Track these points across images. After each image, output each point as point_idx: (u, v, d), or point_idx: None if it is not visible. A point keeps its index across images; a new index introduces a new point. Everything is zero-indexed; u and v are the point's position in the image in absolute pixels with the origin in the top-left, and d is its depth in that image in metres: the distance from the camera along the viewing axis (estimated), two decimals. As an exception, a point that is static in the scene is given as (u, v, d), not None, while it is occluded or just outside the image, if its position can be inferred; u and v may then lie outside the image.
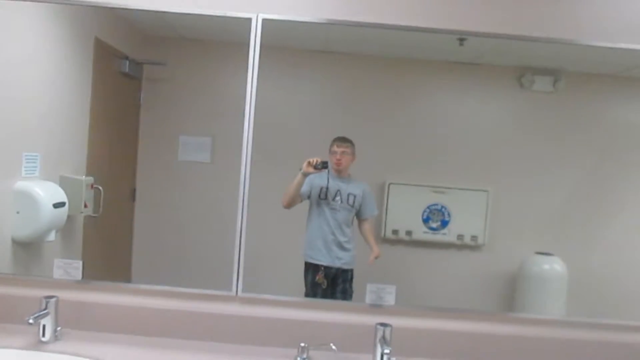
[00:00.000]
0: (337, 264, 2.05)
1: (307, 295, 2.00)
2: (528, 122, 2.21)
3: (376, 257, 2.09)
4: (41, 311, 1.54)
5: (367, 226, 2.11)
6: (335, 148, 2.06)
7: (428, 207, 2.21)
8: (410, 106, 2.20)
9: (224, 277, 1.77)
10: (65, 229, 1.98)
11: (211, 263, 1.98)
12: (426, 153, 2.20)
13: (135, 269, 2.09)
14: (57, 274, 1.75)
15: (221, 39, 2.11)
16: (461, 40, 1.96)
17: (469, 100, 2.22)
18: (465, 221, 2.21)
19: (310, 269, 2.05)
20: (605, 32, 1.74)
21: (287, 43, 2.01)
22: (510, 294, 2.17)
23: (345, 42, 2.10)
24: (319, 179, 2.03)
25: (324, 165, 1.96)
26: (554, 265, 2.17)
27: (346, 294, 2.02)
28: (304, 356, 1.57)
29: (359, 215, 2.10)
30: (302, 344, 1.58)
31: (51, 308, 1.56)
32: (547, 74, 2.15)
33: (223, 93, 2.14)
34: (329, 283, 2.03)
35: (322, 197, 2.04)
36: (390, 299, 1.71)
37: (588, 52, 1.83)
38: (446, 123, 2.20)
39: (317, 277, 2.03)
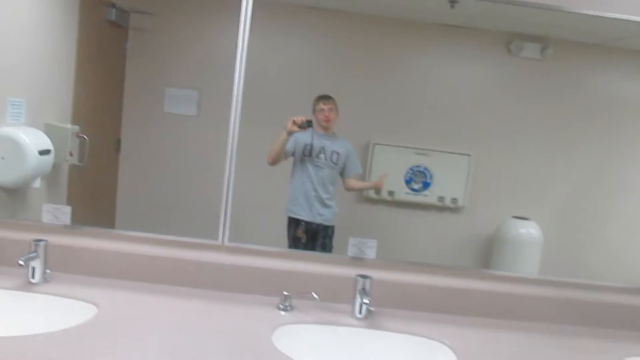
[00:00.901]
0: (318, 219, 2.10)
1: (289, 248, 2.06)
2: (514, 89, 2.23)
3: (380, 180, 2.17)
4: (31, 253, 1.57)
5: (352, 181, 2.15)
6: (322, 105, 2.07)
7: (411, 169, 2.24)
8: (398, 67, 2.20)
9: (208, 227, 1.81)
10: (50, 177, 1.99)
11: (195, 214, 2.01)
12: (411, 115, 2.21)
13: (119, 219, 2.12)
14: (46, 218, 1.77)
15: (210, -10, 2.08)
16: (452, 2, 1.95)
17: (456, 64, 2.23)
18: (447, 184, 2.25)
19: (292, 223, 2.10)
20: (596, 0, 1.75)
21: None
22: (487, 256, 2.25)
23: (334, -1, 2.09)
24: (303, 137, 2.05)
25: (309, 124, 1.98)
26: (530, 230, 2.24)
27: (326, 250, 2.09)
28: (287, 304, 1.63)
29: (343, 174, 2.13)
30: (285, 293, 1.63)
31: (40, 251, 1.59)
32: (536, 41, 2.16)
33: (211, 46, 2.12)
34: (310, 238, 2.09)
35: (306, 154, 2.07)
36: (371, 253, 1.76)
37: (577, 21, 1.83)
38: (433, 86, 2.21)
39: (298, 232, 2.08)
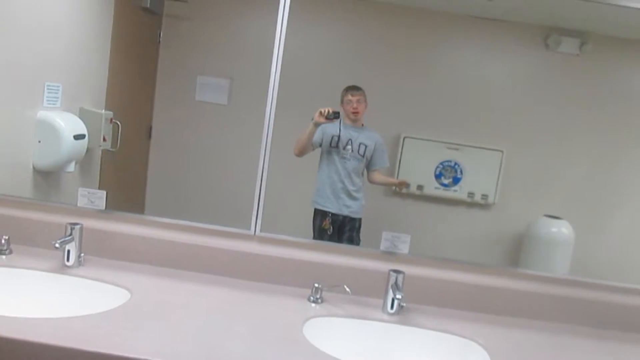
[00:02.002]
0: (345, 211, 2.08)
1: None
2: (550, 84, 2.17)
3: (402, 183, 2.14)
4: (66, 237, 1.59)
5: (377, 174, 2.13)
6: (350, 97, 2.05)
7: (441, 163, 2.21)
8: (431, 60, 2.17)
9: (236, 216, 1.81)
10: (84, 161, 2.02)
11: (222, 202, 2.02)
12: (443, 109, 2.18)
13: (148, 204, 2.14)
14: (82, 202, 1.79)
15: (246, -21, 2.07)
16: (491, -5, 1.91)
17: (492, 57, 2.19)
18: (477, 179, 2.22)
19: (319, 215, 2.09)
20: (638, -7, 1.69)
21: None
22: (516, 254, 2.21)
23: (371, -12, 2.06)
24: (331, 128, 2.03)
25: (336, 115, 1.96)
26: (562, 229, 2.19)
27: (352, 242, 2.07)
28: (318, 296, 1.63)
29: (369, 166, 2.11)
30: (316, 285, 1.63)
31: (76, 234, 1.61)
32: (575, 35, 2.10)
33: (243, 35, 2.12)
34: (336, 230, 2.07)
35: (333, 146, 2.05)
36: (404, 248, 1.75)
37: (618, 14, 1.77)
38: (466, 79, 2.17)
39: (324, 223, 2.07)
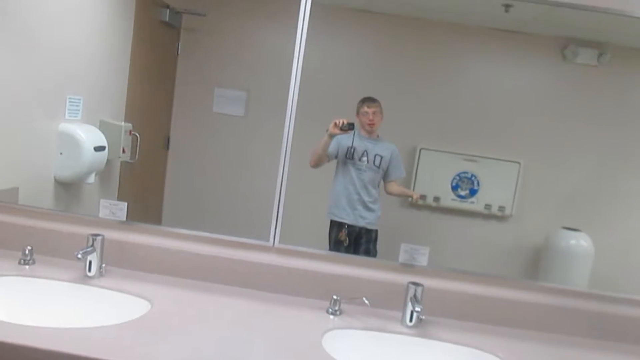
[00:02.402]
0: (361, 223, 2.08)
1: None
2: (568, 96, 2.16)
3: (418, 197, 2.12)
4: (88, 247, 1.61)
5: (394, 185, 2.13)
6: (366, 109, 2.05)
7: (458, 175, 2.20)
8: (448, 71, 2.17)
9: (253, 227, 1.82)
10: (104, 173, 2.04)
11: (239, 213, 2.03)
12: (460, 120, 2.18)
13: (165, 216, 2.16)
14: (103, 213, 1.81)
15: (263, -7, 2.10)
16: (507, 6, 1.91)
17: (508, 69, 2.18)
18: (494, 191, 2.20)
19: (335, 227, 2.08)
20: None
21: (330, 0, 1.98)
22: (534, 267, 2.19)
23: (387, 1, 2.06)
24: (346, 139, 2.03)
25: (350, 126, 1.96)
26: (581, 241, 2.17)
27: (369, 254, 2.06)
28: (336, 308, 1.63)
29: (385, 177, 2.11)
30: (335, 297, 1.63)
31: (97, 245, 1.63)
32: (592, 46, 2.09)
33: (260, 48, 2.14)
34: (352, 242, 2.07)
35: (349, 157, 2.05)
36: (423, 260, 1.74)
37: (636, 25, 1.76)
38: (483, 91, 2.17)
39: (340, 234, 2.07)
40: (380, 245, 2.08)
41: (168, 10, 2.12)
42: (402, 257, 1.75)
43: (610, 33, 2.00)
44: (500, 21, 2.03)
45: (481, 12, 2.02)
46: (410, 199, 2.17)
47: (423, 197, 2.20)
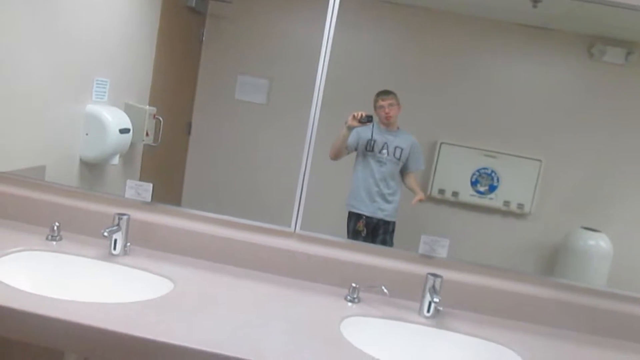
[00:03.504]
0: (380, 215, 2.09)
1: (348, 242, 2.06)
2: (593, 95, 2.14)
3: (420, 200, 2.11)
4: (114, 226, 1.64)
5: (412, 177, 2.13)
6: (381, 102, 2.05)
7: (478, 170, 2.20)
8: (472, 66, 2.16)
9: (271, 214, 1.84)
10: (127, 155, 2.07)
11: (257, 200, 2.05)
12: (482, 116, 2.17)
13: (185, 199, 2.18)
14: (129, 193, 1.84)
15: (290, -19, 2.10)
16: (535, 1, 1.89)
17: (533, 66, 2.17)
18: (514, 188, 2.19)
19: (353, 218, 2.10)
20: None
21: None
22: (551, 266, 2.18)
23: (415, -6, 2.06)
24: (366, 131, 2.04)
25: (369, 119, 1.96)
26: (600, 242, 2.15)
27: (386, 245, 2.07)
28: (355, 296, 1.64)
29: (404, 168, 2.11)
30: (354, 284, 1.64)
31: (123, 224, 1.66)
32: (620, 45, 2.06)
33: (284, 36, 2.14)
34: (370, 233, 2.08)
35: (369, 150, 2.06)
36: (442, 252, 1.75)
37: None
38: (507, 87, 2.15)
39: (358, 225, 2.08)
40: (396, 237, 2.09)
41: (195, -4, 2.14)
42: (422, 249, 1.76)
43: (639, 31, 1.98)
44: (527, 17, 2.01)
45: (509, 7, 2.00)
46: (429, 191, 2.17)
47: (442, 191, 2.20)
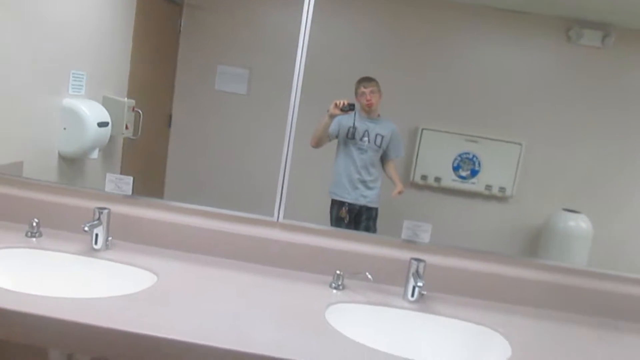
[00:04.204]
0: (362, 201, 2.10)
1: (331, 229, 2.07)
2: (571, 78, 2.16)
3: (400, 192, 2.12)
4: (94, 220, 1.62)
5: (392, 166, 2.14)
6: (362, 89, 2.05)
7: (459, 155, 2.21)
8: (451, 51, 2.16)
9: (254, 204, 1.84)
10: (106, 149, 2.05)
11: (240, 190, 2.04)
12: (462, 101, 2.18)
13: (167, 192, 2.17)
14: (109, 187, 1.82)
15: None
16: (512, -15, 1.90)
17: (511, 50, 2.18)
18: (496, 172, 2.21)
19: (335, 205, 2.10)
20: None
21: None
22: (534, 248, 2.21)
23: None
24: (347, 119, 2.04)
25: (351, 107, 1.97)
26: (580, 223, 2.18)
27: (369, 232, 2.08)
28: (339, 283, 1.65)
29: (384, 156, 2.12)
30: (338, 272, 1.65)
31: (104, 219, 1.64)
32: (597, 28, 2.08)
33: (263, 26, 2.13)
34: (352, 220, 2.09)
35: (350, 137, 2.06)
36: (425, 237, 1.76)
37: (642, 6, 1.76)
38: (486, 71, 2.16)
39: (341, 212, 2.08)
40: (380, 224, 2.10)
41: (171, -14, 2.11)
42: (404, 234, 1.77)
43: (615, 14, 2.00)
44: (505, 1, 2.02)
45: (486, -9, 2.01)
46: (411, 177, 2.18)
47: (424, 177, 2.21)
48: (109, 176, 1.81)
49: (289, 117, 1.79)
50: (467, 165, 2.21)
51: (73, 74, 1.93)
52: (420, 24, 2.12)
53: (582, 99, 2.15)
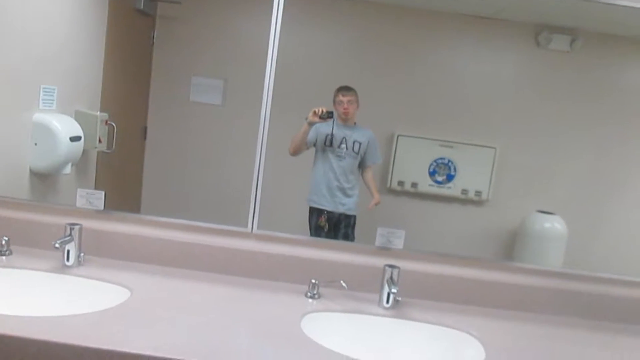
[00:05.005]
0: (340, 209, 2.10)
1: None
2: (542, 81, 2.20)
3: (376, 204, 2.13)
4: (66, 237, 1.60)
5: (370, 173, 2.15)
6: (341, 97, 2.07)
7: (435, 161, 2.23)
8: (423, 59, 2.19)
9: (232, 215, 1.83)
10: (80, 163, 2.02)
11: (218, 201, 2.03)
12: (436, 107, 2.20)
13: (144, 205, 2.15)
14: (80, 202, 1.80)
15: (238, -20, 2.09)
16: (482, -8, 1.93)
17: (483, 55, 2.21)
18: (471, 176, 2.24)
19: (314, 213, 2.11)
20: (627, -9, 1.72)
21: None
22: (510, 250, 2.23)
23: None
24: (324, 127, 2.05)
25: (329, 115, 1.98)
26: (555, 224, 2.21)
27: (347, 239, 2.09)
28: (315, 292, 1.65)
29: (362, 162, 2.13)
30: (313, 281, 1.65)
31: (75, 234, 1.62)
32: (565, 32, 2.12)
33: (237, 36, 2.13)
34: (331, 227, 2.09)
35: (328, 145, 2.07)
36: (398, 243, 1.77)
37: (608, 12, 1.80)
38: (459, 77, 2.19)
39: (320, 220, 2.09)
40: (358, 230, 2.11)
41: (142, -2, 2.10)
42: (378, 241, 1.78)
43: (582, 19, 2.04)
44: (476, 8, 2.05)
45: (456, -2, 2.04)
46: (388, 183, 2.20)
47: (401, 183, 2.22)
48: (80, 191, 1.79)
49: (260, 128, 1.80)
50: (443, 170, 2.23)
51: (43, 88, 1.91)
52: (394, 32, 2.14)
53: (553, 102, 2.18)
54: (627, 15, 1.80)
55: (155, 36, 2.13)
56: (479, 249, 2.16)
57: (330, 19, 2.13)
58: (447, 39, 2.17)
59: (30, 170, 1.92)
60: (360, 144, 2.10)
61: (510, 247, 2.23)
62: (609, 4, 1.74)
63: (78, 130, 1.98)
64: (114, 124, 2.05)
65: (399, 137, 2.19)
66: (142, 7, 2.10)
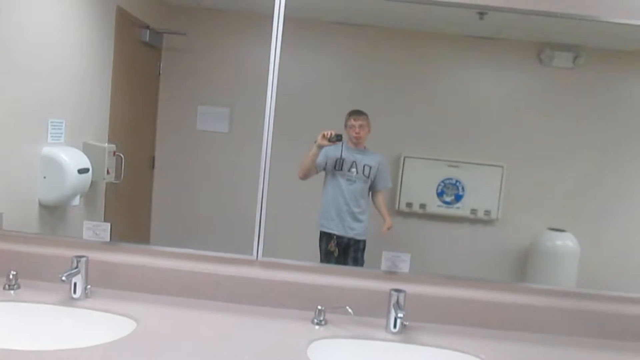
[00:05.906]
0: (350, 234, 2.10)
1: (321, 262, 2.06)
2: (546, 99, 2.20)
3: (388, 228, 2.12)
4: (72, 269, 1.61)
5: (381, 198, 2.15)
6: (352, 122, 2.08)
7: (442, 181, 2.23)
8: (428, 80, 2.20)
9: (241, 242, 1.83)
10: (89, 195, 2.05)
11: (227, 228, 2.03)
12: (442, 127, 2.20)
13: (153, 234, 2.17)
14: (87, 235, 1.82)
15: (241, 10, 2.13)
16: (481, 14, 1.94)
17: (487, 75, 2.22)
18: (479, 196, 2.22)
19: (324, 237, 2.10)
20: (627, 8, 1.72)
21: (307, 15, 2.01)
22: (522, 269, 2.20)
23: (365, 14, 2.10)
24: (334, 151, 2.06)
25: (338, 138, 1.98)
26: (567, 242, 2.19)
27: (357, 264, 2.08)
28: (321, 318, 1.64)
29: (372, 187, 2.13)
30: (320, 307, 1.64)
31: (82, 267, 1.63)
32: (567, 49, 2.12)
33: (241, 64, 2.17)
34: (341, 252, 2.08)
35: (338, 169, 2.07)
36: (404, 267, 1.76)
37: (609, 29, 1.80)
38: (464, 98, 2.20)
39: (330, 245, 2.08)
40: (368, 253, 2.10)
41: (148, 31, 2.15)
42: (384, 265, 1.76)
43: (584, 36, 2.04)
44: (477, 29, 2.07)
45: (457, 20, 2.05)
46: (397, 205, 2.19)
47: (409, 204, 2.22)
48: (86, 224, 1.81)
49: (263, 154, 1.80)
50: (451, 191, 2.23)
51: (51, 122, 1.94)
52: (397, 55, 2.16)
53: (558, 119, 2.18)
54: (628, 32, 1.80)
55: (161, 67, 2.17)
56: (491, 269, 2.13)
57: (331, 44, 2.16)
58: (450, 60, 2.19)
59: (40, 203, 1.94)
60: (370, 167, 2.10)
61: (522, 265, 2.20)
62: (608, 22, 1.74)
63: (86, 163, 2.01)
64: (122, 155, 2.08)
65: (406, 159, 2.19)
66: (147, 39, 2.14)
